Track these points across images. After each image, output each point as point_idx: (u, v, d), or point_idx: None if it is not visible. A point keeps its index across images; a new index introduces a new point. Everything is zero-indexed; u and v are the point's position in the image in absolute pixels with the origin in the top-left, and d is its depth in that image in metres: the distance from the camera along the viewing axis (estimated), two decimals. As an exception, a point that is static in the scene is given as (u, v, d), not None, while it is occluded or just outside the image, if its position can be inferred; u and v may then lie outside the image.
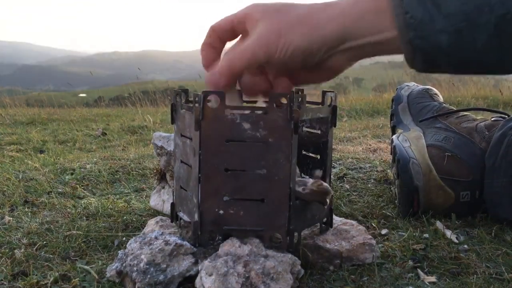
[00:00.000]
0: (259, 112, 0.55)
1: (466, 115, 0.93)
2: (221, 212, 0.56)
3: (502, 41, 0.39)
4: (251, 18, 0.51)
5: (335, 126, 0.66)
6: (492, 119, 0.88)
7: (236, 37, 0.56)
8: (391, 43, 0.44)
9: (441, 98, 1.05)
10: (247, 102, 0.64)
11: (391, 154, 0.97)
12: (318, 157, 0.69)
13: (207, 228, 0.57)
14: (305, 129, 0.68)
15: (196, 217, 0.57)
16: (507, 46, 0.40)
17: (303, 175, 0.69)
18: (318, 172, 0.65)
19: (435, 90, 1.07)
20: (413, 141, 0.87)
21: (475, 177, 0.79)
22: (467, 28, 0.39)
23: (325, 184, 0.59)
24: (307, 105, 0.63)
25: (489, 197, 0.78)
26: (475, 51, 0.40)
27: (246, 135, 0.55)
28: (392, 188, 0.94)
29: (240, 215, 0.56)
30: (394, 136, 0.94)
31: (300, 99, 0.56)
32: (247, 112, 0.55)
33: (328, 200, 0.59)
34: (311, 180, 0.59)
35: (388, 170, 1.09)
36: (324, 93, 0.64)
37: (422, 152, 0.83)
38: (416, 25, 0.41)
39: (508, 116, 0.89)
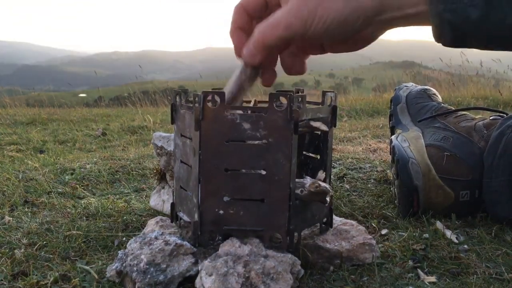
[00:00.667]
0: (259, 112, 0.55)
1: (464, 114, 0.93)
2: (221, 212, 0.56)
3: None
4: None
5: (335, 126, 0.66)
6: (491, 118, 0.88)
7: (269, 11, 0.52)
8: (423, 16, 0.44)
9: (439, 98, 1.05)
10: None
11: (390, 154, 0.97)
12: (318, 157, 0.69)
13: (207, 228, 0.57)
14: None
15: (196, 217, 0.57)
16: None
17: (304, 175, 0.69)
18: (321, 174, 0.65)
19: (434, 90, 1.07)
20: (412, 141, 0.87)
21: (474, 176, 0.79)
22: (497, 2, 0.39)
23: (323, 184, 0.59)
24: (307, 105, 0.63)
25: (488, 196, 0.78)
26: (505, 26, 0.40)
27: (246, 135, 0.55)
28: (392, 188, 0.94)
29: (240, 215, 0.56)
30: (393, 137, 0.94)
31: (300, 99, 0.56)
32: (247, 112, 0.55)
33: (328, 199, 0.59)
34: (309, 181, 0.59)
35: (388, 171, 1.09)
36: (324, 93, 0.64)
37: (421, 152, 0.83)
38: None
39: (506, 114, 0.89)
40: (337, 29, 0.46)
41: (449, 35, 0.43)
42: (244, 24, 0.53)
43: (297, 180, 0.58)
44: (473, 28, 0.41)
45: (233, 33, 0.53)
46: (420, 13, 0.44)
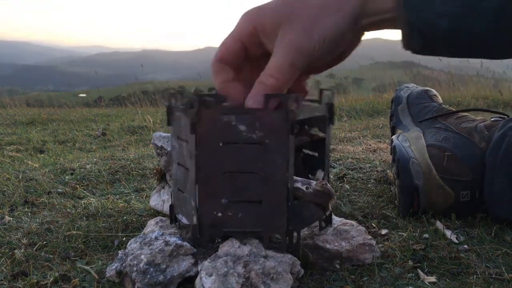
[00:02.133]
0: (255, 113, 0.55)
1: (465, 115, 0.93)
2: (220, 214, 0.56)
3: (500, 27, 0.40)
4: (264, 28, 0.49)
5: (333, 124, 0.66)
6: (492, 120, 0.88)
7: (249, 55, 0.53)
8: (394, 22, 0.45)
9: (440, 99, 1.05)
10: None
11: (390, 154, 0.97)
12: (316, 154, 0.68)
13: (206, 231, 0.57)
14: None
15: (194, 220, 0.57)
16: (504, 32, 0.40)
17: (310, 176, 0.69)
18: (319, 174, 0.65)
19: (435, 92, 1.07)
20: (413, 141, 0.87)
21: (475, 177, 0.79)
22: (466, 13, 0.40)
23: (330, 186, 0.58)
24: (303, 103, 0.62)
25: (489, 197, 0.78)
26: (473, 36, 0.41)
27: (242, 137, 0.55)
28: (392, 188, 0.94)
29: (239, 217, 0.56)
30: (393, 136, 0.94)
31: (295, 99, 0.56)
32: (242, 113, 0.55)
33: (330, 206, 0.59)
34: (315, 181, 0.59)
35: (388, 171, 1.09)
36: (321, 91, 0.63)
37: (422, 151, 0.83)
38: (415, 8, 0.41)
39: (508, 116, 0.89)
40: (335, 46, 0.48)
41: (419, 44, 0.44)
42: (229, 76, 0.54)
43: (302, 178, 0.58)
44: (442, 38, 0.42)
45: (226, 86, 0.54)
46: (392, 18, 0.45)
